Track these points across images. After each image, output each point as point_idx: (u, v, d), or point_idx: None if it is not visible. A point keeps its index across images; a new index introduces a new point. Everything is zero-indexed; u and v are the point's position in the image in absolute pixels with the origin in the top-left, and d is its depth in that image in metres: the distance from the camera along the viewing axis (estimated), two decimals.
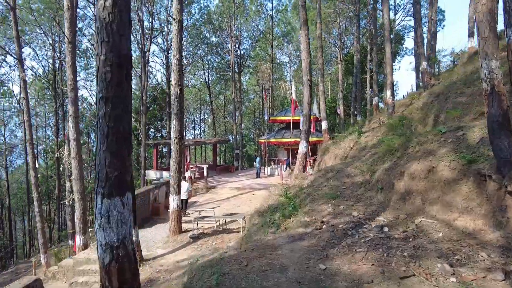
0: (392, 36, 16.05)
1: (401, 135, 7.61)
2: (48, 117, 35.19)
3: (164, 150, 35.46)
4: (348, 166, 8.14)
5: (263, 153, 31.67)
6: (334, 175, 7.75)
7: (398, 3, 34.73)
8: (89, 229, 13.88)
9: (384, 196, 5.79)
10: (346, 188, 6.89)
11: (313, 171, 14.06)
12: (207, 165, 19.65)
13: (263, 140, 23.43)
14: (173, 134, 9.97)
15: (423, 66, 13.76)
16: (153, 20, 27.36)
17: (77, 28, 19.88)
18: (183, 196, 14.13)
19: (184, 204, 14.39)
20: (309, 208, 6.26)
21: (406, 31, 36.95)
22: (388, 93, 12.34)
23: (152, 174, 23.74)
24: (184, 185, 14.14)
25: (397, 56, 39.40)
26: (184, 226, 11.33)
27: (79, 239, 11.91)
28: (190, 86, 44.80)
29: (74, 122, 11.60)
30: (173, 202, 10.08)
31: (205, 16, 32.11)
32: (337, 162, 11.20)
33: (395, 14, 34.79)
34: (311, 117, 23.39)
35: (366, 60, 34.21)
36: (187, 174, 20.58)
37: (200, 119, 52.90)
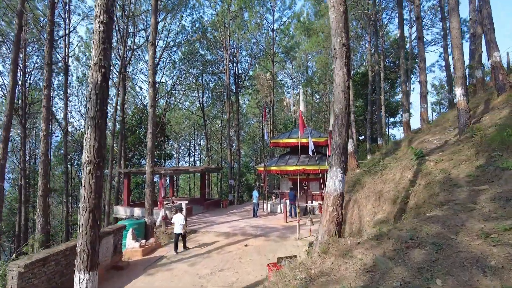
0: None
1: None
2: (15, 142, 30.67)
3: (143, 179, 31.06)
4: (457, 230, 3.32)
5: (262, 184, 26.74)
6: (430, 260, 2.91)
7: (412, 17, 31.25)
8: None
9: None
10: None
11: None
12: (187, 201, 14.70)
13: (262, 168, 18.61)
14: (85, 156, 5.26)
15: (495, 59, 9.26)
16: (135, 30, 23.73)
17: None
18: (178, 231, 11.62)
19: (182, 239, 11.76)
20: None
21: (424, 46, 33.18)
22: (459, 92, 7.72)
23: (121, 211, 18.76)
24: (178, 217, 11.65)
25: (411, 76, 35.75)
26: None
27: None
28: (184, 109, 40.87)
29: None
30: (79, 286, 5.11)
31: (200, 31, 28.64)
32: (388, 208, 6.32)
33: (410, 28, 31.48)
34: (325, 137, 17.99)
35: (379, 79, 30.34)
36: (161, 213, 15.62)
37: (195, 145, 48.45)
